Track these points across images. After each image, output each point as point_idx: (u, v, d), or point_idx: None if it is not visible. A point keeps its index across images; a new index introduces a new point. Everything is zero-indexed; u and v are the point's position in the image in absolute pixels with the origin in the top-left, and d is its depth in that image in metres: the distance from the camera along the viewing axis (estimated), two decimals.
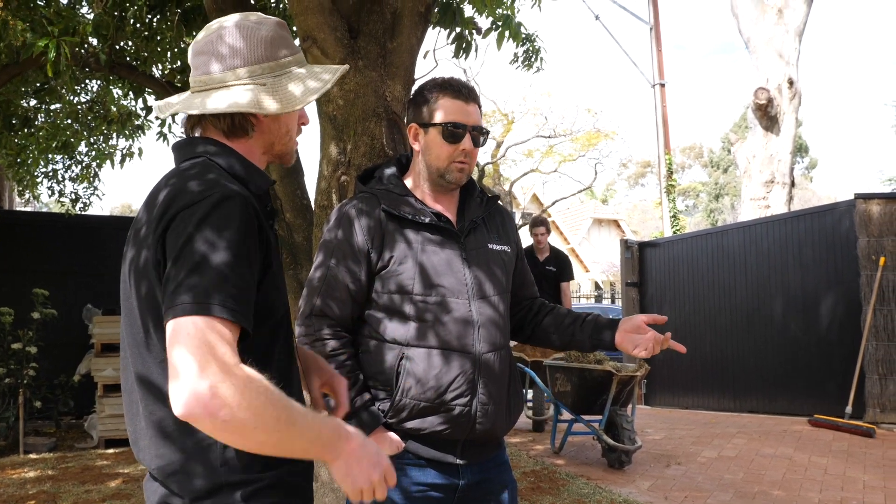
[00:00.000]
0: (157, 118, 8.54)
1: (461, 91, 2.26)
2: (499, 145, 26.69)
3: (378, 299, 2.20)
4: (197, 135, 1.65)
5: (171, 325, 1.30)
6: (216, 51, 1.61)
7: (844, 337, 8.90)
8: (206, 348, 1.26)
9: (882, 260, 8.53)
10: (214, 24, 1.65)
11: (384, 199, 2.24)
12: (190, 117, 1.65)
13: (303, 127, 1.79)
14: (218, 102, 1.57)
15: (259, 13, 1.71)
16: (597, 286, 41.31)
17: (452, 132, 2.23)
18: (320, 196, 4.33)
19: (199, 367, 1.24)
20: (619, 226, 44.89)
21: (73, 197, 10.95)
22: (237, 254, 1.37)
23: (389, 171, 2.37)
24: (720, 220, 43.84)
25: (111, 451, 7.80)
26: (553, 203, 28.23)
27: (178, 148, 1.63)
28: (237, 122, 1.61)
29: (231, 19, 1.65)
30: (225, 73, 1.60)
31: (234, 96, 1.57)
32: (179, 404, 1.24)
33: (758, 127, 14.04)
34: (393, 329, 2.17)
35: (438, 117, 2.25)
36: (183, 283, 1.32)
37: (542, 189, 38.00)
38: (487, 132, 2.33)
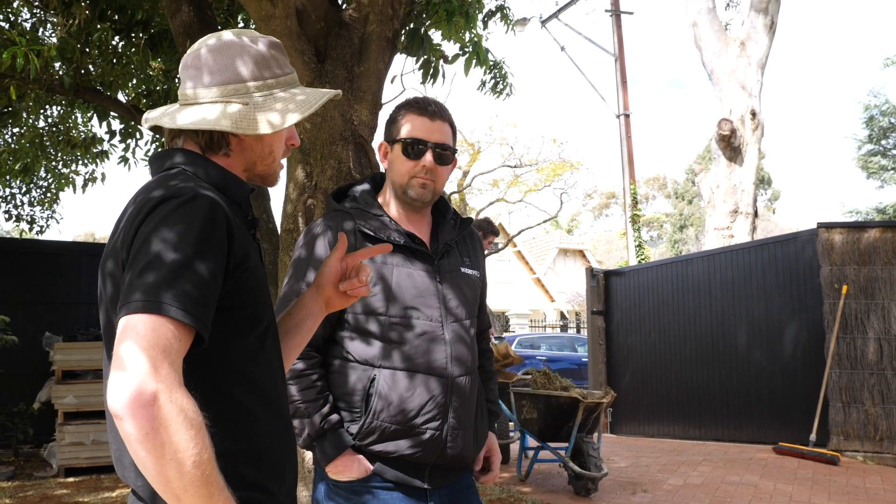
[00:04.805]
0: (121, 142, 8.46)
1: (427, 108, 2.25)
2: (465, 174, 26.79)
3: (349, 320, 2.16)
4: (178, 146, 1.59)
5: (123, 322, 1.23)
6: (196, 66, 1.57)
7: (808, 365, 8.97)
8: (158, 350, 1.19)
9: (845, 288, 8.62)
10: (203, 40, 1.61)
11: (358, 218, 2.22)
12: (170, 132, 1.59)
13: (291, 148, 1.72)
14: (188, 118, 1.52)
15: (254, 32, 1.66)
16: (562, 316, 41.44)
17: (413, 147, 2.22)
18: (286, 220, 4.30)
19: (151, 368, 1.17)
20: (584, 256, 45.06)
21: (29, 220, 10.78)
22: (196, 254, 1.31)
23: (364, 189, 2.36)
24: (684, 250, 44.19)
25: (71, 479, 7.63)
26: (519, 233, 28.27)
27: (154, 159, 1.58)
28: (215, 140, 1.56)
29: (218, 36, 1.60)
30: (201, 89, 1.56)
31: (203, 113, 1.52)
32: (118, 396, 1.16)
33: (721, 158, 14.22)
34: (364, 350, 2.14)
35: (402, 133, 2.25)
36: (136, 281, 1.26)
37: (508, 219, 38.13)
38: (454, 150, 2.31)
